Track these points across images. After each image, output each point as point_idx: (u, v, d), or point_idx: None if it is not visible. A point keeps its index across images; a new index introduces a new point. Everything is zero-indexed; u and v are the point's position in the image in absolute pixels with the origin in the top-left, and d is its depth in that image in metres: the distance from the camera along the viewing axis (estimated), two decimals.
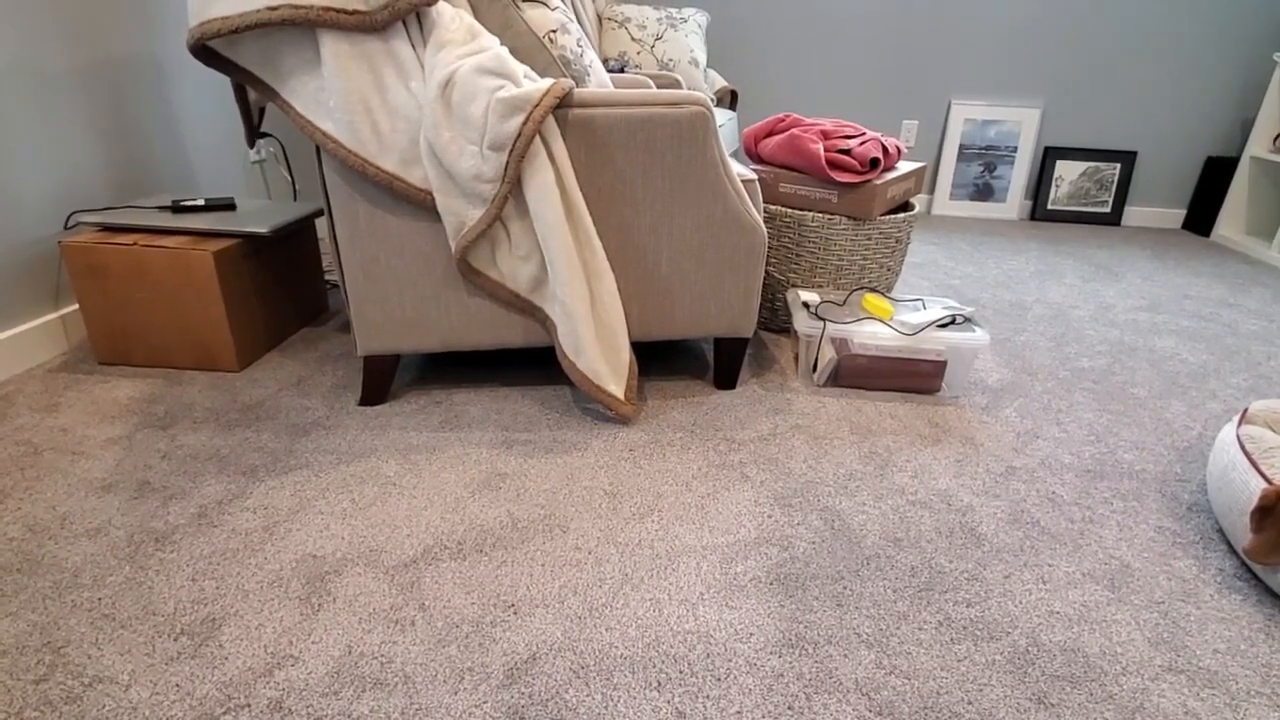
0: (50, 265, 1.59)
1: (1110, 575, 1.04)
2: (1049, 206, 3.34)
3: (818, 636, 0.91)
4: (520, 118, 1.14)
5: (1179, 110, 3.18)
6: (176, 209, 1.60)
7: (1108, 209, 3.33)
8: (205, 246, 1.46)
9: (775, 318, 1.88)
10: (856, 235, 1.72)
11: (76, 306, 1.66)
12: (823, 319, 1.53)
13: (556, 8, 1.33)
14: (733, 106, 2.96)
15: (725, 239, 1.37)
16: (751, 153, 1.88)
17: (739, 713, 0.80)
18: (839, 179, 1.67)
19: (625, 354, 1.37)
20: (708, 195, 1.33)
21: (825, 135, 1.75)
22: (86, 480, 1.18)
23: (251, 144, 1.35)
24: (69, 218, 1.59)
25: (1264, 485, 1.03)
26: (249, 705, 0.79)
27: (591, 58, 1.40)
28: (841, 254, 1.74)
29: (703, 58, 2.78)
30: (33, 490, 1.15)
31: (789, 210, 1.75)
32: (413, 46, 1.15)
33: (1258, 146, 2.95)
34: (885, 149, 1.73)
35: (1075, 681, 0.86)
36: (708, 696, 0.82)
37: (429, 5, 1.12)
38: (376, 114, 1.16)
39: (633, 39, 2.72)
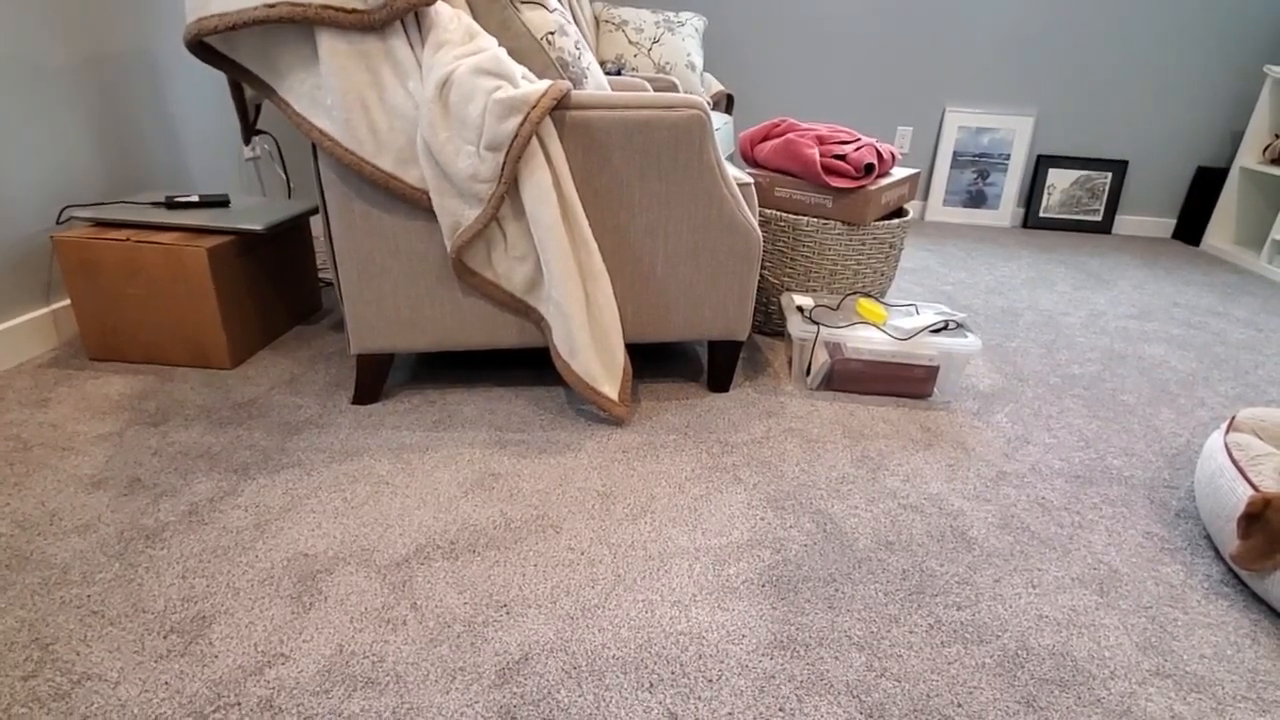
0: (42, 260, 1.58)
1: (1099, 580, 1.05)
2: (1041, 214, 3.37)
3: (809, 638, 0.92)
4: (517, 119, 1.14)
5: (1170, 120, 3.21)
6: (170, 205, 1.59)
7: (1099, 217, 3.36)
8: (199, 243, 1.46)
9: (769, 321, 1.88)
10: (851, 240, 1.73)
11: (68, 302, 1.65)
12: (817, 323, 1.54)
13: (555, 9, 1.34)
14: (729, 110, 2.98)
15: (720, 242, 1.38)
16: (747, 157, 1.89)
17: (730, 714, 0.81)
18: (834, 184, 1.68)
19: (620, 355, 1.37)
20: (703, 198, 1.34)
21: (821, 140, 1.76)
22: (76, 476, 1.17)
23: (247, 141, 1.35)
24: (61, 212, 1.58)
25: (1251, 492, 1.04)
26: (239, 704, 0.79)
27: (589, 60, 1.41)
28: (836, 259, 1.75)
29: (699, 61, 2.79)
30: (22, 486, 1.14)
31: (784, 214, 1.76)
32: (410, 46, 1.15)
33: (1247, 157, 2.99)
34: (880, 155, 1.74)
35: (1064, 685, 0.87)
36: (699, 698, 0.82)
37: (427, 5, 1.12)
38: (373, 113, 1.16)
39: (630, 42, 2.73)
